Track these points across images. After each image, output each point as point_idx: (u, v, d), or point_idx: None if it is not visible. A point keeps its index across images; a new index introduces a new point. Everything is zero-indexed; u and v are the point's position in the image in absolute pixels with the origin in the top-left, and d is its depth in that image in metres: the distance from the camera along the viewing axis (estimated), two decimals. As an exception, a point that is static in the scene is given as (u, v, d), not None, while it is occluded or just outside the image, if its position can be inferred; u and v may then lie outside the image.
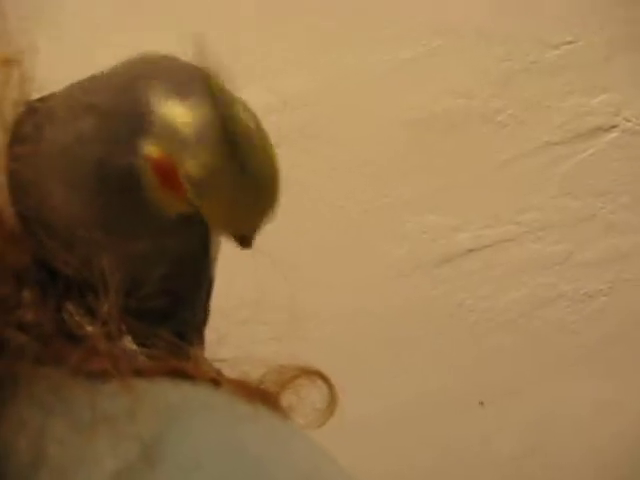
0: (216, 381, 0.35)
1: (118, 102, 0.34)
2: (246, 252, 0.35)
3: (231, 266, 0.43)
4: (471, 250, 0.92)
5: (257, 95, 0.46)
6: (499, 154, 0.92)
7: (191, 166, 0.32)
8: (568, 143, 0.91)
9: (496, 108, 0.91)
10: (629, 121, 0.91)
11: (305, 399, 0.37)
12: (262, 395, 0.36)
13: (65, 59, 0.54)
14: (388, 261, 0.92)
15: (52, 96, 0.37)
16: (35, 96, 0.36)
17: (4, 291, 0.32)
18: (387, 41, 0.89)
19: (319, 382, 0.38)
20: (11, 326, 0.32)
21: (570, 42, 0.91)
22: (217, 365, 0.41)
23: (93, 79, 0.35)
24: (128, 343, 0.38)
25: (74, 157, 0.35)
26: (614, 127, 0.91)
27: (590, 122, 0.91)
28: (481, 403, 0.93)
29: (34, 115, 0.36)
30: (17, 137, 0.36)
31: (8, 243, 0.33)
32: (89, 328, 0.35)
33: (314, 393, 0.38)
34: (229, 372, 0.39)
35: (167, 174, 0.33)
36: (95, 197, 0.35)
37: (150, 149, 0.33)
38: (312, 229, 0.90)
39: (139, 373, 0.34)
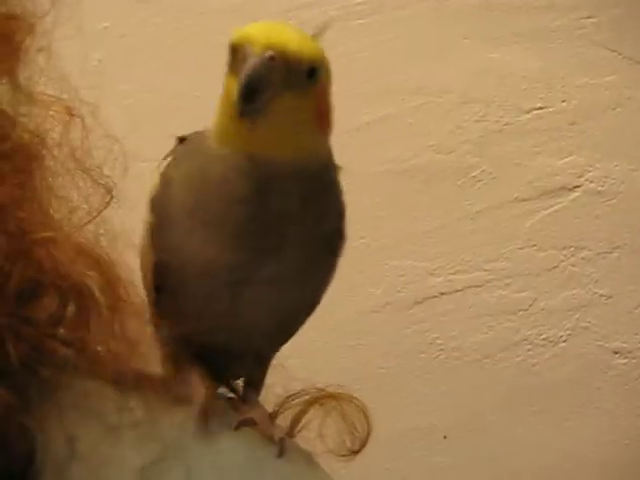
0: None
1: None
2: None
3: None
4: (443, 293, 0.98)
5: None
6: (472, 206, 0.99)
7: None
8: (535, 199, 0.98)
9: (471, 164, 0.98)
10: (591, 182, 0.98)
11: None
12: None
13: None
14: (364, 300, 0.98)
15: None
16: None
17: (50, 308, 0.35)
18: (372, 96, 0.96)
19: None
20: (56, 340, 0.35)
21: (540, 108, 0.98)
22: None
23: None
24: None
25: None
26: (577, 187, 0.99)
27: (556, 181, 0.98)
28: (445, 437, 0.98)
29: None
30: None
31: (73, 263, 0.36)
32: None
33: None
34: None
35: None
36: None
37: None
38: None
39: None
